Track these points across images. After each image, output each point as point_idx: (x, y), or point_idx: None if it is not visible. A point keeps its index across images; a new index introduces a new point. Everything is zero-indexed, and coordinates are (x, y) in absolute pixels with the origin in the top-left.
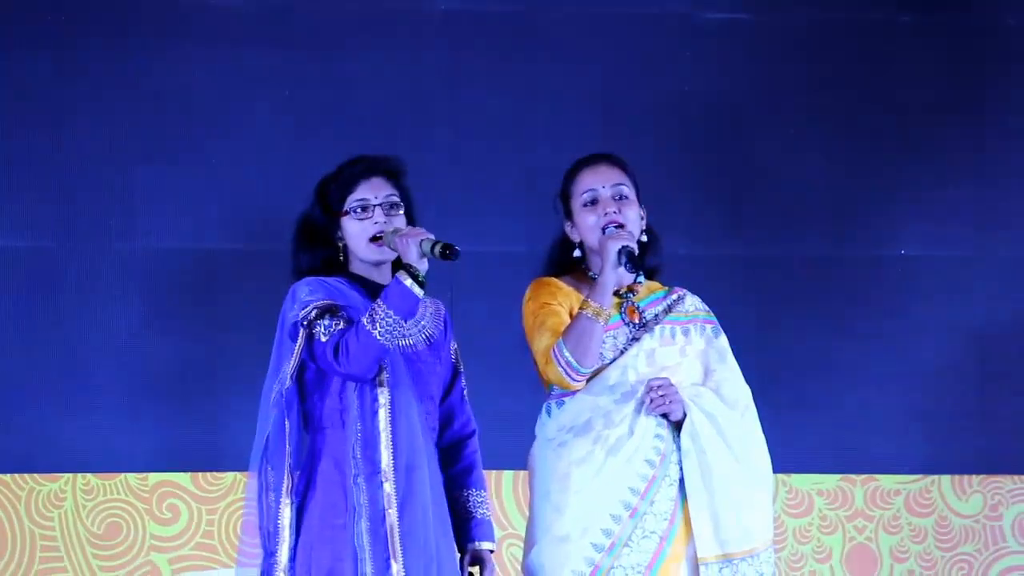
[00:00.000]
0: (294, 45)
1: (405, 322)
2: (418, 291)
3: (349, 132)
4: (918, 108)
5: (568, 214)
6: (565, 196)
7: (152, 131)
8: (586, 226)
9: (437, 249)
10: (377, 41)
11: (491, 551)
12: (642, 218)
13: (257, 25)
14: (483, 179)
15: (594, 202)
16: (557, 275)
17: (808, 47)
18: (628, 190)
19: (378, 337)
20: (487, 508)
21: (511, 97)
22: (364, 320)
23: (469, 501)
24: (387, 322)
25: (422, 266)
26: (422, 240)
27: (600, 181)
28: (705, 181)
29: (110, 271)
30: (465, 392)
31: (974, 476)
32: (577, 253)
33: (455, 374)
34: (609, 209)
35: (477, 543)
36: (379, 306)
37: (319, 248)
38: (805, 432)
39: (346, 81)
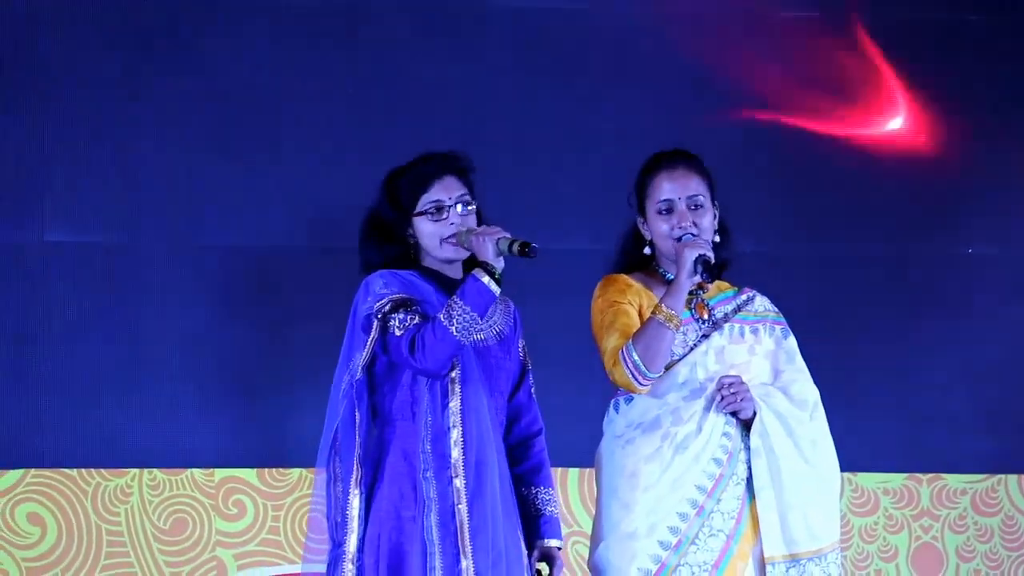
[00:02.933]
0: (360, 42)
1: (481, 319)
2: (495, 289)
3: (413, 129)
4: (985, 105)
5: (641, 210)
6: (640, 193)
7: (220, 128)
8: (659, 233)
9: (516, 247)
10: (442, 38)
11: (559, 548)
12: (715, 218)
13: (323, 22)
14: (548, 177)
15: (669, 211)
16: (627, 271)
17: (878, 43)
18: (704, 198)
19: (455, 333)
20: (555, 506)
21: (576, 94)
22: (441, 316)
23: (538, 499)
24: (464, 319)
25: (499, 264)
26: (499, 239)
27: (677, 191)
28: (772, 179)
29: (178, 267)
30: (533, 390)
31: None
32: (647, 250)
33: (523, 371)
34: (684, 222)
35: (546, 540)
36: (456, 303)
37: (389, 245)
38: (872, 431)
39: (411, 78)
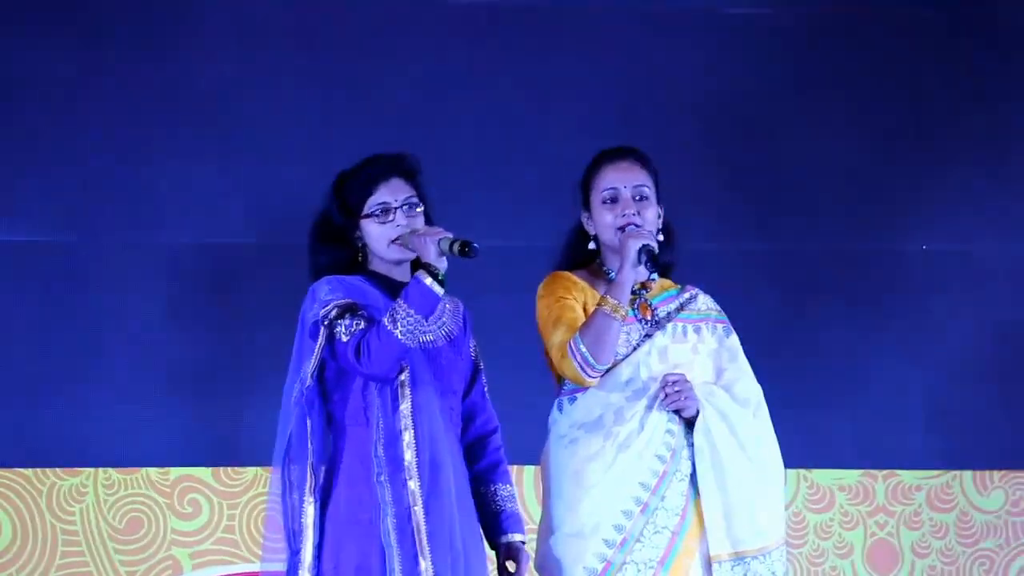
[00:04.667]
0: (316, 41)
1: (426, 321)
2: (438, 289)
3: (369, 128)
4: (942, 102)
5: (586, 205)
6: (586, 187)
7: (174, 126)
8: (603, 223)
9: (456, 247)
10: (397, 37)
11: (523, 543)
12: (659, 216)
13: (279, 21)
14: (504, 174)
15: (614, 200)
16: (571, 268)
17: (830, 40)
18: (649, 191)
19: (399, 337)
20: (515, 502)
21: (532, 91)
22: (385, 320)
23: (497, 495)
24: (408, 321)
25: (441, 265)
26: (440, 239)
27: (622, 180)
28: (728, 175)
29: (131, 265)
30: (486, 389)
31: (996, 471)
32: (592, 245)
33: (475, 371)
34: (628, 210)
35: (509, 535)
36: (400, 306)
37: (337, 248)
38: (826, 427)
39: (366, 77)
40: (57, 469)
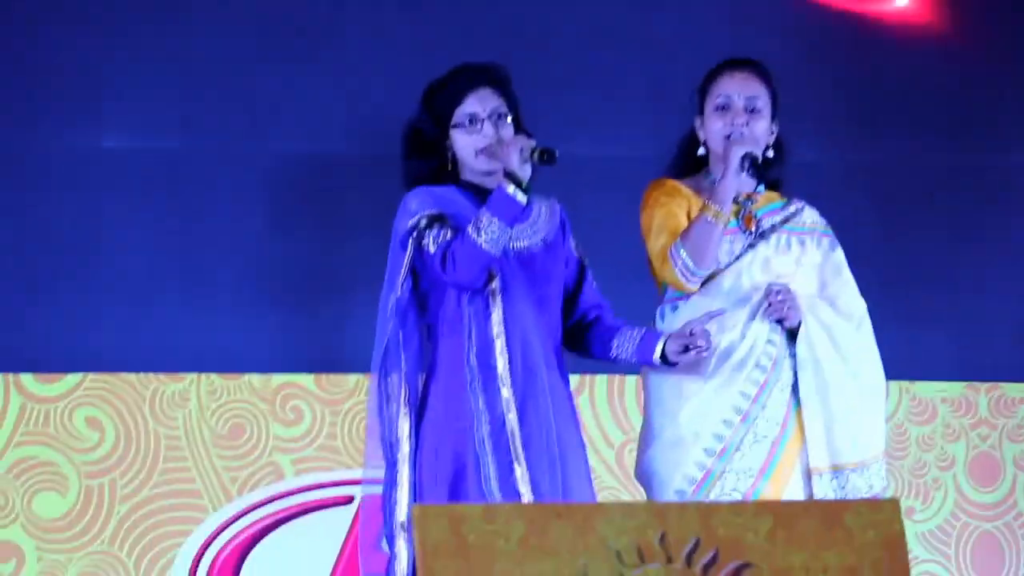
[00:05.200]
0: None
1: (511, 228)
2: (521, 198)
3: (473, 38)
4: None
5: (701, 111)
6: (702, 93)
7: (274, 34)
8: (713, 130)
9: (535, 154)
10: None
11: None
12: (773, 132)
13: None
14: (607, 83)
15: (725, 108)
16: (678, 173)
17: None
18: (762, 103)
19: (483, 245)
20: (639, 329)
21: (637, 2)
22: (469, 228)
23: (627, 333)
24: (492, 230)
25: (524, 172)
26: (523, 147)
27: (736, 89)
28: (832, 87)
29: (234, 174)
30: (596, 285)
31: None
32: (702, 151)
33: (581, 269)
34: (738, 120)
35: (660, 340)
36: (484, 214)
37: (429, 158)
38: (929, 339)
39: None
40: (160, 374)
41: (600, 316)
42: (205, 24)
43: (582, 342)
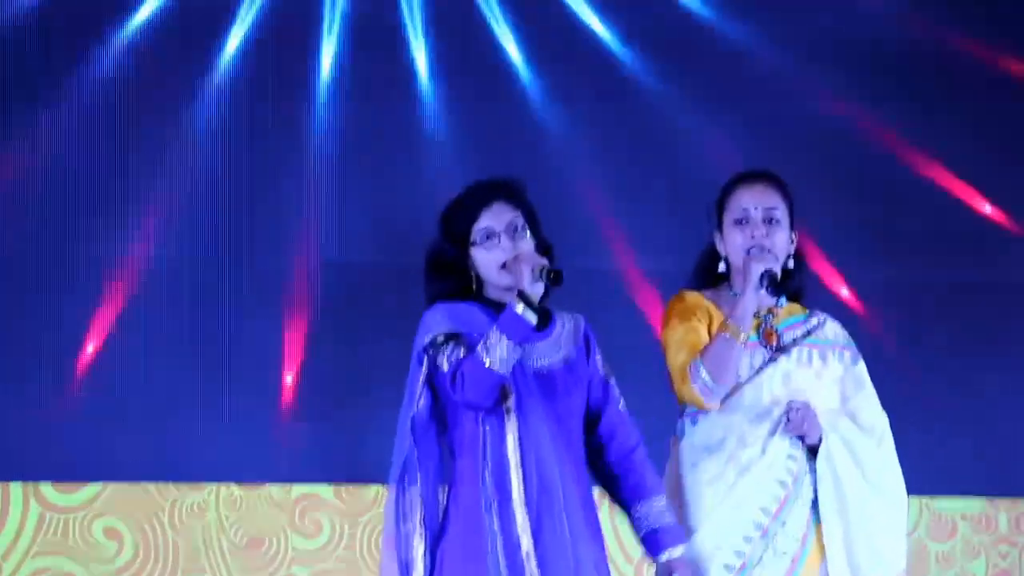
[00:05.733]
0: (441, 59)
1: (520, 348)
2: (531, 317)
3: (496, 150)
4: None
5: (719, 226)
6: (720, 208)
7: (305, 143)
8: (733, 244)
9: (543, 273)
10: (526, 54)
11: (680, 555)
12: (792, 242)
13: (411, 34)
14: (628, 198)
15: (744, 221)
16: (700, 287)
17: (960, 63)
18: (780, 214)
19: (491, 365)
20: (668, 514)
21: (661, 110)
22: (479, 348)
23: (649, 515)
24: (500, 349)
25: (535, 291)
26: (533, 265)
27: (754, 202)
28: (856, 201)
29: (259, 283)
30: (622, 404)
31: None
32: (722, 267)
33: (606, 386)
34: (757, 232)
35: (668, 551)
36: (492, 334)
37: (450, 278)
38: (949, 454)
39: (491, 95)
40: (180, 484)
41: (628, 453)
42: (236, 136)
43: (605, 476)
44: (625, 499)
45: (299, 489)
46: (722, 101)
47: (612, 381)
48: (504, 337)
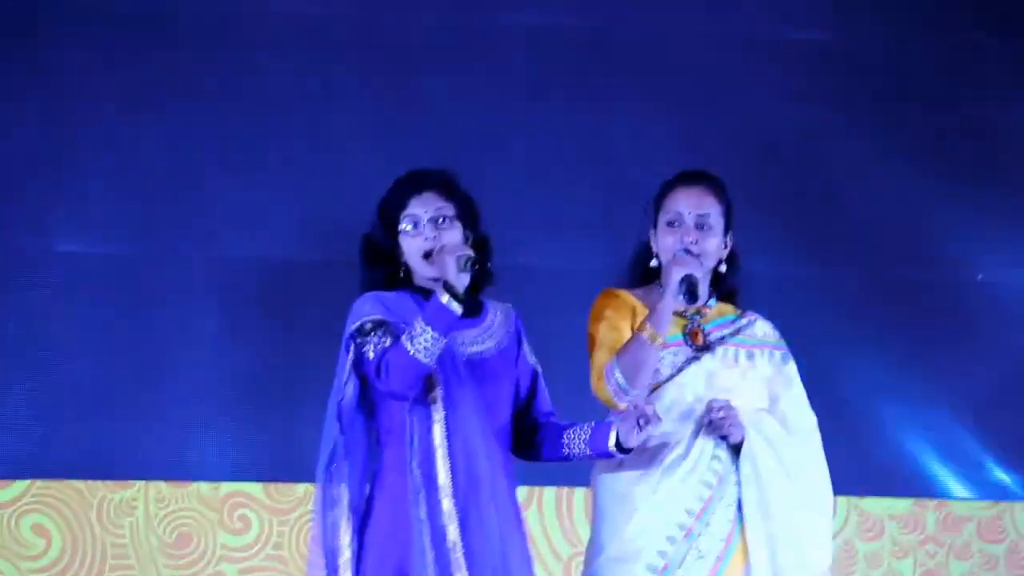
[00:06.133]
0: (376, 58)
1: (444, 338)
2: (455, 307)
3: (426, 146)
4: (998, 131)
5: (654, 224)
6: (656, 206)
7: (233, 140)
8: (663, 245)
9: (468, 264)
10: (458, 55)
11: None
12: (726, 246)
13: (338, 37)
14: (561, 196)
15: (676, 224)
16: (632, 284)
17: (890, 67)
18: (714, 219)
19: (414, 354)
20: (587, 425)
21: (591, 113)
22: (403, 338)
23: (577, 429)
24: (425, 339)
25: (460, 282)
26: (458, 256)
27: (688, 205)
28: (783, 201)
29: (186, 279)
30: (547, 393)
31: None
32: (654, 263)
33: (535, 375)
34: (688, 237)
35: (613, 429)
36: (418, 323)
37: (383, 266)
38: (878, 455)
39: (427, 94)
40: (108, 482)
41: (550, 420)
42: (160, 127)
43: (532, 445)
44: (556, 440)
45: (228, 487)
46: (659, 100)
47: (539, 370)
48: (428, 327)
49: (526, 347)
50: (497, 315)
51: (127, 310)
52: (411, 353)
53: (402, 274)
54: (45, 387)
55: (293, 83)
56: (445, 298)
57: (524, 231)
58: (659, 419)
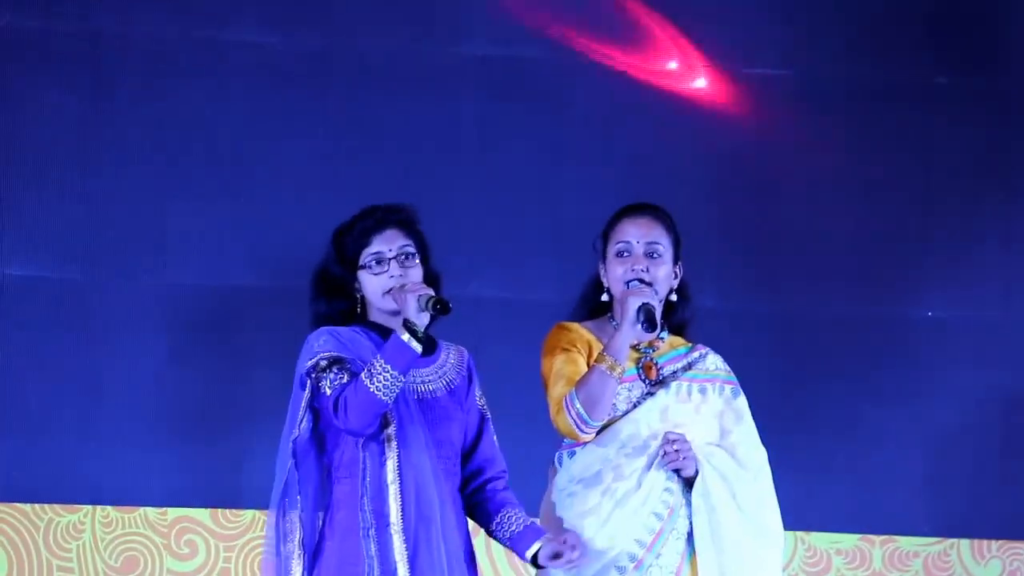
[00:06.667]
0: (326, 86)
1: (403, 376)
2: (416, 346)
3: (378, 176)
4: (949, 169)
5: (603, 256)
6: (604, 238)
7: (180, 167)
8: (614, 276)
9: (430, 303)
10: (408, 85)
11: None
12: (676, 276)
13: (289, 65)
14: (512, 227)
15: (626, 254)
16: (583, 318)
17: (843, 104)
18: (664, 248)
19: (375, 392)
20: (525, 519)
21: (542, 145)
22: (363, 375)
23: (511, 520)
24: (384, 377)
25: (421, 320)
26: (419, 295)
27: (636, 235)
28: (733, 235)
29: (136, 305)
30: (495, 438)
31: (993, 541)
32: (605, 297)
33: (483, 420)
34: (638, 265)
35: (540, 539)
36: (377, 361)
37: (337, 299)
38: (825, 490)
39: (377, 124)
40: (55, 505)
41: (491, 481)
42: (106, 153)
43: (468, 505)
44: (489, 514)
45: (175, 512)
46: (610, 131)
47: (488, 415)
48: (389, 365)
49: (477, 390)
50: (450, 355)
51: (73, 334)
52: (371, 390)
53: (359, 309)
54: None
55: (245, 110)
56: (406, 336)
57: (475, 261)
58: (584, 557)
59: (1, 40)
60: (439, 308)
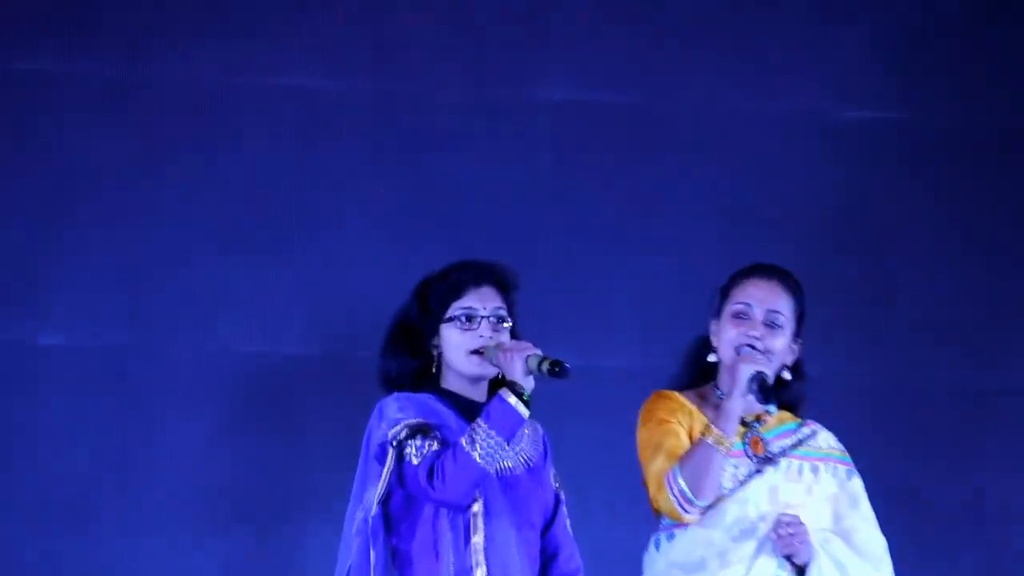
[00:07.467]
0: (390, 139)
1: (508, 444)
2: (523, 411)
3: (446, 235)
4: None
5: (718, 314)
6: (723, 295)
7: (235, 228)
8: (726, 338)
9: (545, 366)
10: (480, 136)
11: None
12: (793, 352)
13: (351, 116)
14: (594, 287)
15: (743, 316)
16: (685, 382)
17: (954, 149)
18: (785, 319)
19: (478, 459)
20: None
21: (625, 196)
22: (463, 441)
23: None
24: (488, 443)
25: (528, 384)
26: (528, 356)
27: (759, 298)
28: (835, 294)
29: (185, 375)
30: (568, 523)
31: None
32: (712, 358)
33: (556, 503)
34: (753, 332)
35: None
36: (479, 426)
37: (412, 355)
38: None
39: (445, 179)
40: None
41: (557, 557)
42: (157, 216)
43: None
44: None
45: None
46: (699, 183)
47: (563, 497)
48: (493, 431)
49: (552, 469)
50: (526, 431)
51: (119, 407)
52: (472, 457)
53: (434, 370)
54: (24, 494)
55: (298, 164)
56: (512, 399)
57: (550, 327)
58: None
59: (46, 89)
60: (557, 371)
